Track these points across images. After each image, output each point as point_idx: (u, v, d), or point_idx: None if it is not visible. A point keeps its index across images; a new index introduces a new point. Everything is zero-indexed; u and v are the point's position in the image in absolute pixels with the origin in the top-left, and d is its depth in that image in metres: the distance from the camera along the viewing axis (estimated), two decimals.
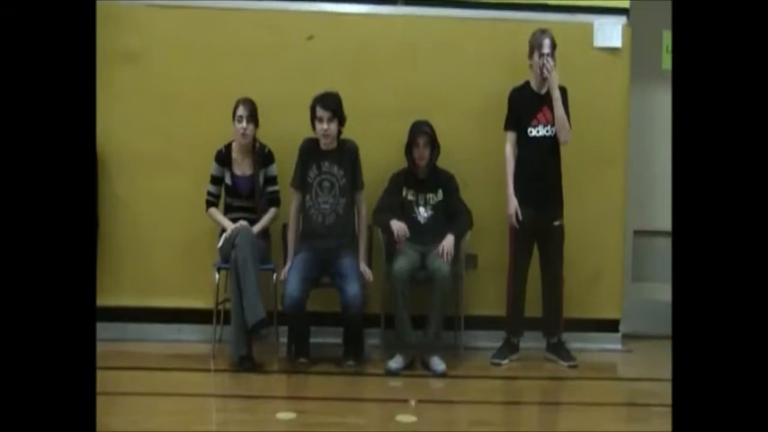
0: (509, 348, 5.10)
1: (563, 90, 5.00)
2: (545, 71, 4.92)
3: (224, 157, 5.10)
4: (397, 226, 4.93)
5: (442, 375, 4.73)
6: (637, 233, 5.85)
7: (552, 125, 4.98)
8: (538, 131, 4.99)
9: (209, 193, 5.12)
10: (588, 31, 5.38)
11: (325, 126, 4.81)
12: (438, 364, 4.78)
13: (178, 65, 5.35)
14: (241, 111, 4.99)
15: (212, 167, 5.10)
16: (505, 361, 5.04)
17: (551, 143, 5.00)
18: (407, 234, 4.93)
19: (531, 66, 5.00)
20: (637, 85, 5.57)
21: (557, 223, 5.01)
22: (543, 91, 5.01)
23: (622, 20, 5.46)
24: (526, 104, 5.03)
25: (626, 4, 5.48)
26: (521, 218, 4.96)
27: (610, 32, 5.44)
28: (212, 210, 5.12)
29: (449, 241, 4.93)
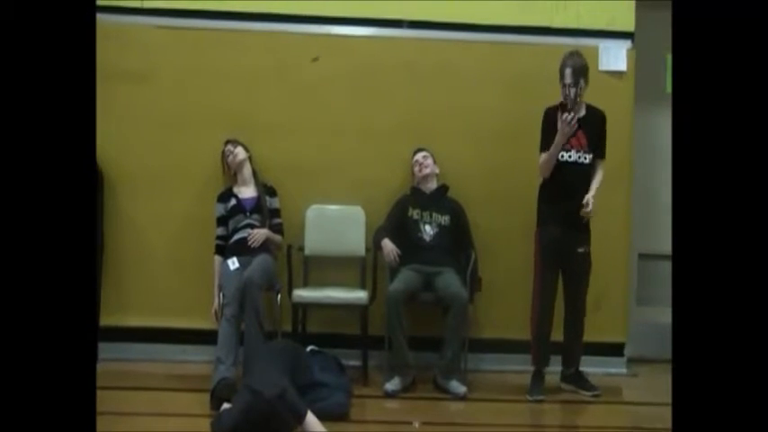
0: (541, 379, 4.90)
1: (602, 116, 4.87)
2: (568, 102, 4.72)
3: (225, 193, 5.11)
4: (388, 247, 4.94)
5: (463, 398, 4.70)
6: (642, 256, 5.83)
7: (585, 151, 4.78)
8: (570, 156, 4.77)
9: (217, 237, 5.06)
10: (593, 54, 5.35)
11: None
12: (458, 387, 4.75)
13: (183, 85, 5.37)
14: (228, 147, 5.15)
15: (216, 210, 5.08)
16: (543, 395, 4.81)
17: (583, 169, 4.79)
18: (396, 257, 4.94)
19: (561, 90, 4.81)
20: (641, 108, 5.58)
21: (581, 250, 4.83)
22: (578, 115, 4.76)
23: (627, 44, 5.49)
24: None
25: (631, 28, 5.50)
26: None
27: (615, 56, 5.46)
28: (217, 258, 5.01)
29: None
